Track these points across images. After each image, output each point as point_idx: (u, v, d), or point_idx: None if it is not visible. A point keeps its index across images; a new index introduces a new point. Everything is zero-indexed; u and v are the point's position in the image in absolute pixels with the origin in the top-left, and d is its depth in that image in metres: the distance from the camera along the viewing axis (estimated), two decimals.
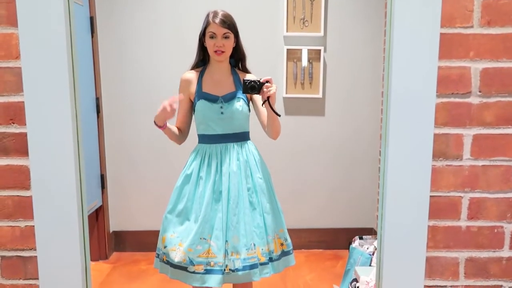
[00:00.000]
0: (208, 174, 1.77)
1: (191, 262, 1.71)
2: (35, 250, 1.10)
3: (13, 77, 1.06)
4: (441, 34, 1.05)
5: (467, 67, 1.07)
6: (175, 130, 1.85)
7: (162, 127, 1.75)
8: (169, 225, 1.79)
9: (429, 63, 1.06)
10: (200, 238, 1.72)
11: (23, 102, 1.07)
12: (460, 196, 1.13)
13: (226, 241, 1.73)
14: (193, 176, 1.79)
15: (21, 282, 1.13)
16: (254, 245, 1.74)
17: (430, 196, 1.12)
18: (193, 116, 1.89)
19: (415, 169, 1.10)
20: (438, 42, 1.05)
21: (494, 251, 1.16)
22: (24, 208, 1.10)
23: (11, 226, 1.11)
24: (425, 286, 1.15)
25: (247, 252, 1.72)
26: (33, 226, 1.09)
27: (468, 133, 1.10)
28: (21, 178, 1.09)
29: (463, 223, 1.14)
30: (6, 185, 1.10)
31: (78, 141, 1.09)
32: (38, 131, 1.06)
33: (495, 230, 1.15)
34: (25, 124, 1.07)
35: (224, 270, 1.71)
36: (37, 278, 1.11)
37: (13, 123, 1.08)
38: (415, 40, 1.05)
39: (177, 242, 1.75)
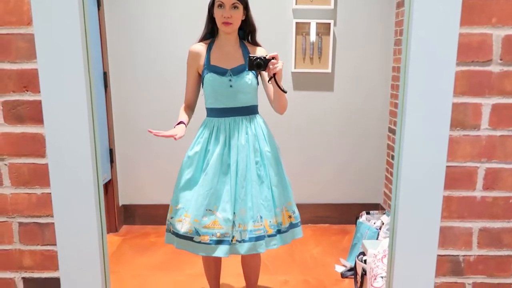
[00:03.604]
0: (216, 147, 1.77)
1: (197, 233, 1.74)
2: (52, 216, 1.11)
3: (25, 43, 1.05)
4: None
5: (488, 34, 1.04)
6: (187, 117, 1.88)
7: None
8: (176, 196, 1.82)
9: (450, 30, 1.03)
10: (206, 210, 1.75)
11: (36, 69, 1.05)
12: (476, 167, 1.12)
13: (234, 213, 1.75)
14: (201, 148, 1.80)
15: (39, 247, 1.14)
16: (261, 217, 1.77)
17: (446, 166, 1.11)
18: (201, 89, 1.88)
19: (432, 138, 1.09)
20: (460, 8, 1.01)
21: (508, 222, 1.15)
22: (40, 176, 1.10)
23: (27, 193, 1.12)
24: (438, 255, 1.16)
25: (254, 224, 1.75)
26: (50, 193, 1.10)
27: (487, 102, 1.08)
28: (37, 145, 1.09)
29: (478, 193, 1.14)
30: (21, 153, 1.10)
31: (92, 108, 1.09)
32: (53, 99, 1.05)
33: (510, 201, 1.14)
34: (39, 92, 1.06)
35: (231, 241, 1.74)
36: (55, 244, 1.13)
37: (27, 91, 1.07)
38: (435, 5, 1.02)
39: (183, 213, 1.77)
